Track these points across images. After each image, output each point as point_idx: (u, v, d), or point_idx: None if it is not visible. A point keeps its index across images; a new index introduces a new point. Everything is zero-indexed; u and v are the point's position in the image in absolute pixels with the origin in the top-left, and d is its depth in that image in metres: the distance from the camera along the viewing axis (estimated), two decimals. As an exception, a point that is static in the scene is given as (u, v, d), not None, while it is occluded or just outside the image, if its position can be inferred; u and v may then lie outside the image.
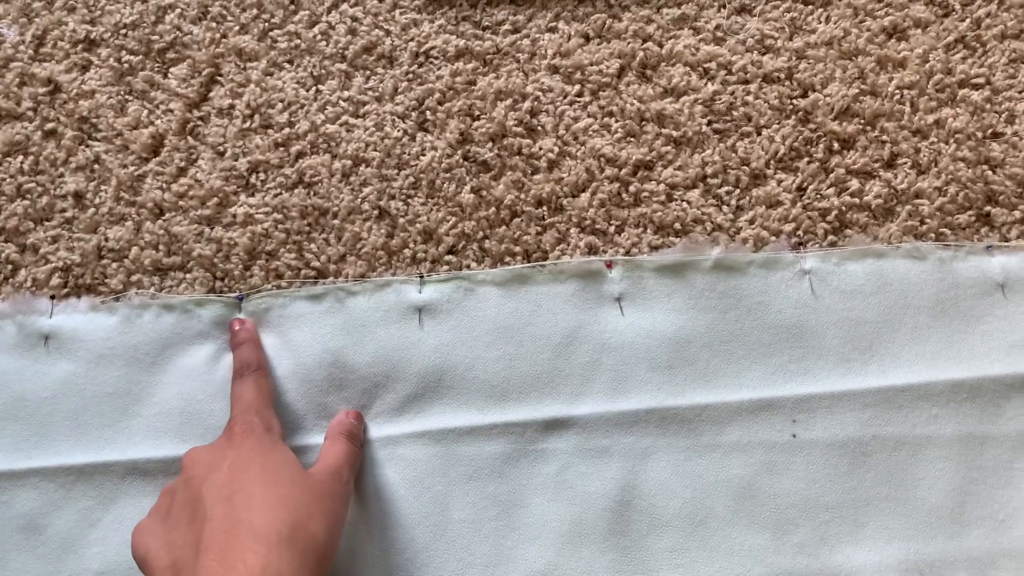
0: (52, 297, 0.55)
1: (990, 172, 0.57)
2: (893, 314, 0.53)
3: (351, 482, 0.46)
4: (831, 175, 0.57)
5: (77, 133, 0.59)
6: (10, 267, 0.56)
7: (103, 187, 0.58)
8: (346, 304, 0.54)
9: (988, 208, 0.56)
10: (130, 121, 0.59)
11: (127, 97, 0.60)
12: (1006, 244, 0.55)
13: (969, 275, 0.54)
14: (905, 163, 0.57)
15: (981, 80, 0.59)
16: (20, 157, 0.58)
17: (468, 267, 0.56)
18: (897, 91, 0.59)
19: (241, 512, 0.38)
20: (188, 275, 0.56)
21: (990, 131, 0.58)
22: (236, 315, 0.53)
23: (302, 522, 0.39)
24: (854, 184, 0.57)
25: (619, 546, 0.50)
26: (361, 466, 0.50)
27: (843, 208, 0.56)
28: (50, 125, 0.59)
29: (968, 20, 0.60)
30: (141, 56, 0.60)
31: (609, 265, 0.54)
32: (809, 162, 0.57)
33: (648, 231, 0.56)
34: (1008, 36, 0.60)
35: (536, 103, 0.59)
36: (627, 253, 0.56)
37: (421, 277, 0.54)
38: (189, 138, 0.59)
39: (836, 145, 0.58)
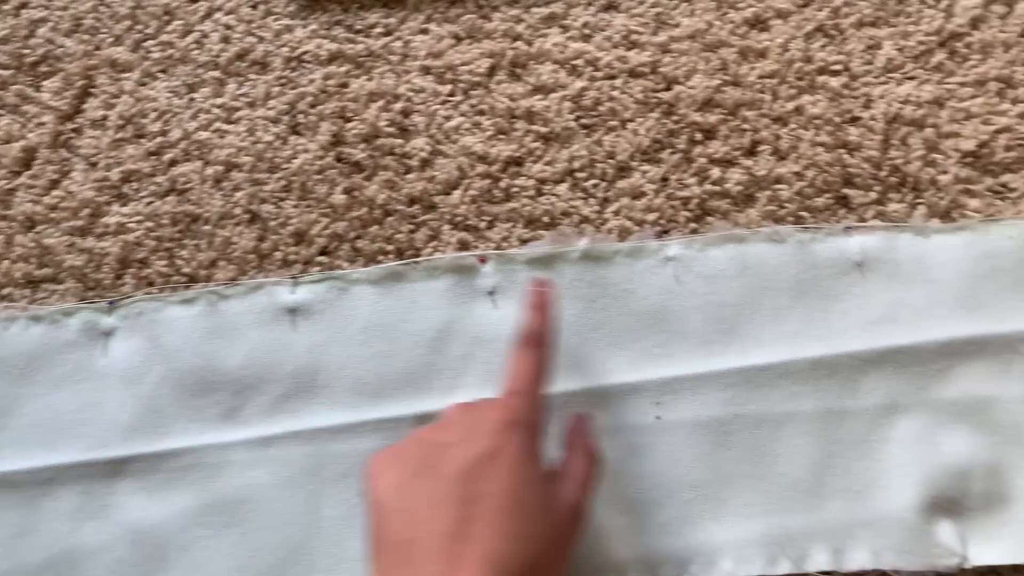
0: None
1: (847, 156, 0.59)
2: (754, 296, 0.55)
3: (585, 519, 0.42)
4: (693, 165, 0.59)
5: None
6: None
7: None
8: (218, 307, 0.54)
9: (845, 191, 0.59)
10: (2, 135, 0.59)
11: (-2, 112, 0.60)
12: (863, 224, 0.57)
13: (828, 256, 0.56)
14: (766, 150, 0.59)
15: (839, 67, 0.61)
16: None
17: (341, 267, 0.57)
18: (758, 80, 0.61)
19: (482, 528, 0.35)
20: (60, 286, 0.57)
21: (848, 116, 0.60)
22: (106, 322, 0.54)
23: (540, 566, 0.36)
24: (715, 173, 0.59)
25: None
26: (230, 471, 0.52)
27: (704, 196, 0.58)
28: None
29: (827, 9, 0.63)
30: (13, 70, 0.61)
31: (482, 260, 0.56)
32: (672, 153, 0.59)
33: (518, 225, 0.58)
34: (865, 24, 0.62)
35: (408, 103, 0.60)
36: (498, 247, 0.57)
37: (294, 278, 0.55)
38: (62, 150, 0.59)
39: (699, 136, 0.60)
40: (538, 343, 0.45)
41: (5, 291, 0.57)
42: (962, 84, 0.61)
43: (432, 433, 0.40)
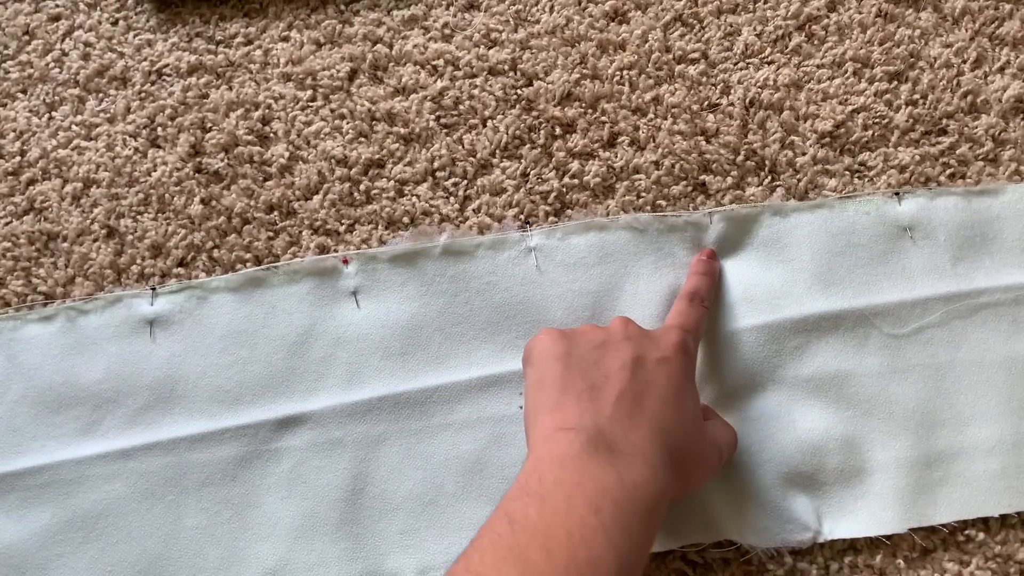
0: None
1: (705, 143, 0.61)
2: (614, 283, 0.56)
3: (718, 470, 0.50)
4: (553, 159, 0.60)
5: None
6: None
7: None
8: (77, 323, 0.55)
9: (703, 177, 0.60)
10: None
11: None
12: (720, 208, 0.58)
13: (684, 244, 0.58)
14: (624, 141, 0.61)
15: (697, 55, 0.63)
16: None
17: (197, 278, 0.57)
18: (617, 72, 0.62)
19: (654, 403, 0.43)
20: None
21: (706, 103, 0.62)
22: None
23: (688, 456, 0.43)
24: (575, 166, 0.60)
25: (351, 534, 0.52)
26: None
27: (564, 190, 0.59)
28: None
29: None
30: None
31: (345, 261, 0.56)
32: (532, 148, 0.60)
33: (379, 227, 0.59)
34: (724, 11, 0.64)
35: (268, 111, 0.61)
36: (358, 249, 0.58)
37: (153, 289, 0.56)
38: (-83, 174, 0.59)
39: (558, 130, 0.61)
40: (703, 302, 0.52)
41: None
42: (819, 66, 0.63)
43: (603, 329, 0.47)
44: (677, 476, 0.41)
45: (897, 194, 0.59)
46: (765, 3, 0.65)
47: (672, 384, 0.43)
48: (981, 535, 0.52)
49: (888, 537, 0.52)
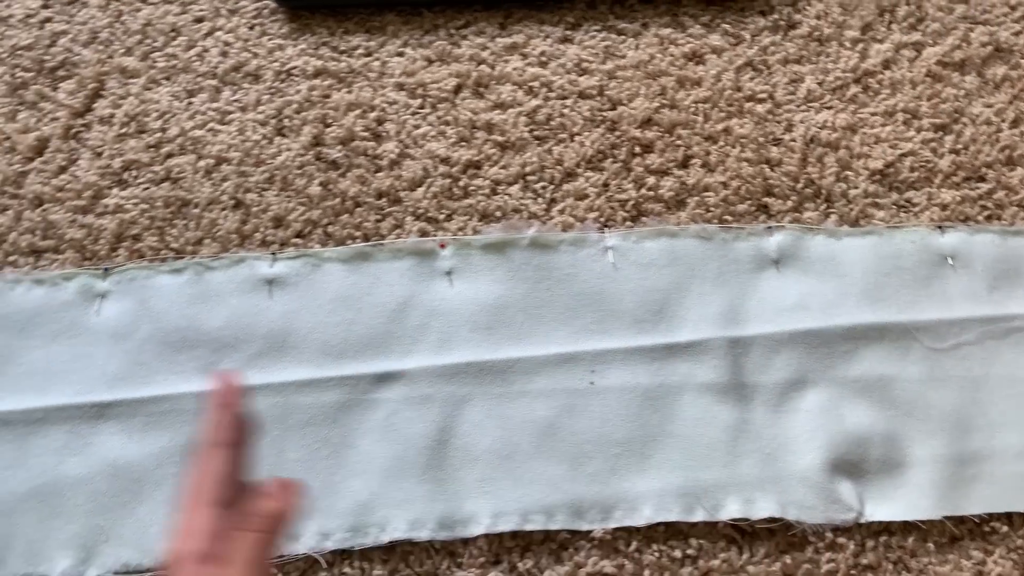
0: None
1: (769, 170, 0.70)
2: (681, 283, 0.65)
3: None
4: (632, 173, 0.69)
5: None
6: None
7: None
8: (203, 277, 0.64)
9: (766, 199, 0.69)
10: (19, 127, 0.70)
11: (18, 107, 0.71)
12: (781, 226, 0.67)
13: (748, 253, 0.66)
14: (696, 163, 0.70)
15: (765, 96, 0.73)
16: None
17: (313, 248, 0.66)
18: (693, 104, 0.72)
19: None
20: (60, 256, 0.66)
21: (771, 137, 0.71)
22: (100, 286, 0.63)
23: None
24: (651, 180, 0.69)
25: (435, 478, 0.59)
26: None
27: (640, 200, 0.69)
28: None
29: (756, 47, 0.74)
30: (34, 73, 0.72)
31: (442, 245, 0.65)
32: (613, 163, 0.70)
33: (474, 219, 0.68)
34: (790, 61, 0.74)
35: (382, 113, 0.71)
36: (455, 236, 0.67)
37: (273, 255, 0.65)
38: (72, 141, 0.69)
39: (638, 149, 0.70)
40: (225, 445, 0.43)
41: (11, 258, 0.66)
42: (873, 114, 0.73)
43: None
44: None
45: (940, 227, 0.67)
46: (827, 57, 0.75)
47: None
48: (1005, 528, 0.59)
49: (922, 523, 0.59)
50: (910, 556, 0.58)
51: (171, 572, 0.38)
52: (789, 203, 0.68)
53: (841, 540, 0.58)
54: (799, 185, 0.68)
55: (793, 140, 0.70)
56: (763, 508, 0.58)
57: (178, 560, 0.38)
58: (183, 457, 0.58)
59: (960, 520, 0.58)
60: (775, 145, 0.70)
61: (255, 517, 0.40)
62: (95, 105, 0.70)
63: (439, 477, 0.59)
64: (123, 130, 0.69)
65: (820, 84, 0.72)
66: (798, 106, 0.72)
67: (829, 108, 0.71)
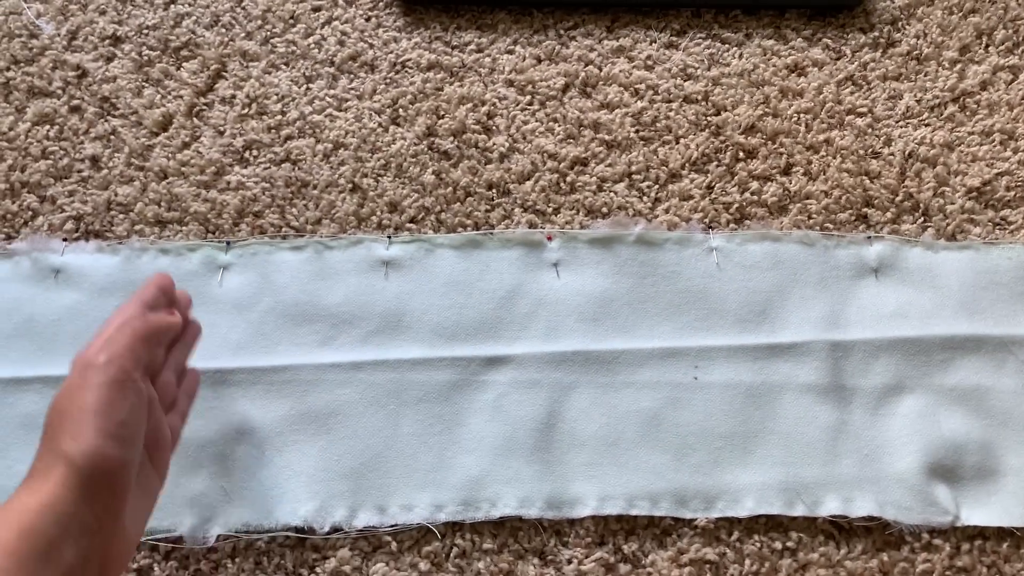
0: (64, 239, 0.68)
1: (868, 182, 0.73)
2: (784, 286, 0.67)
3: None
4: (736, 177, 0.72)
5: (98, 110, 0.73)
6: (30, 213, 0.70)
7: (116, 154, 0.72)
8: (323, 255, 0.67)
9: (866, 210, 0.72)
10: (145, 102, 0.73)
11: (144, 84, 0.74)
12: (881, 236, 0.70)
13: (849, 260, 0.69)
14: (798, 171, 0.73)
15: (865, 110, 0.76)
16: (47, 127, 0.72)
17: (426, 233, 0.69)
18: (795, 114, 0.75)
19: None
20: (184, 227, 0.70)
21: (870, 150, 0.74)
22: (223, 259, 0.66)
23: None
24: (754, 185, 0.72)
25: (543, 459, 0.62)
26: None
27: (744, 203, 0.71)
28: (75, 102, 0.73)
29: (857, 63, 0.77)
30: (159, 52, 0.76)
31: (549, 237, 0.69)
32: (718, 166, 0.73)
33: (580, 213, 0.71)
34: (889, 78, 0.77)
35: (493, 108, 0.75)
36: (562, 229, 0.70)
37: (389, 238, 0.68)
38: (195, 119, 0.73)
39: (742, 154, 0.73)
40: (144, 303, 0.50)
41: (138, 228, 0.69)
42: (970, 133, 0.75)
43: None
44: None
45: (1036, 245, 0.70)
46: (925, 76, 0.77)
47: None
48: (1099, 539, 0.61)
49: (1017, 530, 0.61)
50: (1003, 561, 0.60)
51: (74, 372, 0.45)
52: (888, 215, 0.70)
53: (937, 542, 0.60)
54: (898, 198, 0.71)
55: (892, 154, 0.73)
56: (861, 507, 0.61)
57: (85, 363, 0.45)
58: (303, 426, 0.61)
59: (1054, 529, 0.60)
60: (874, 158, 0.73)
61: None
62: (217, 85, 0.74)
63: (547, 459, 0.62)
64: (244, 111, 0.73)
65: (918, 102, 0.75)
66: (897, 121, 0.74)
67: (927, 125, 0.74)
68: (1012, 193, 0.72)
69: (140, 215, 0.69)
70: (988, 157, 0.73)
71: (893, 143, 0.73)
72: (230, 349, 0.63)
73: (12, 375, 0.62)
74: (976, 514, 0.61)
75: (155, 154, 0.71)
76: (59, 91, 0.73)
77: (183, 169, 0.70)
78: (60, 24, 0.75)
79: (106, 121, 0.72)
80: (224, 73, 0.74)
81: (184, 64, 0.74)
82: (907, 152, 0.73)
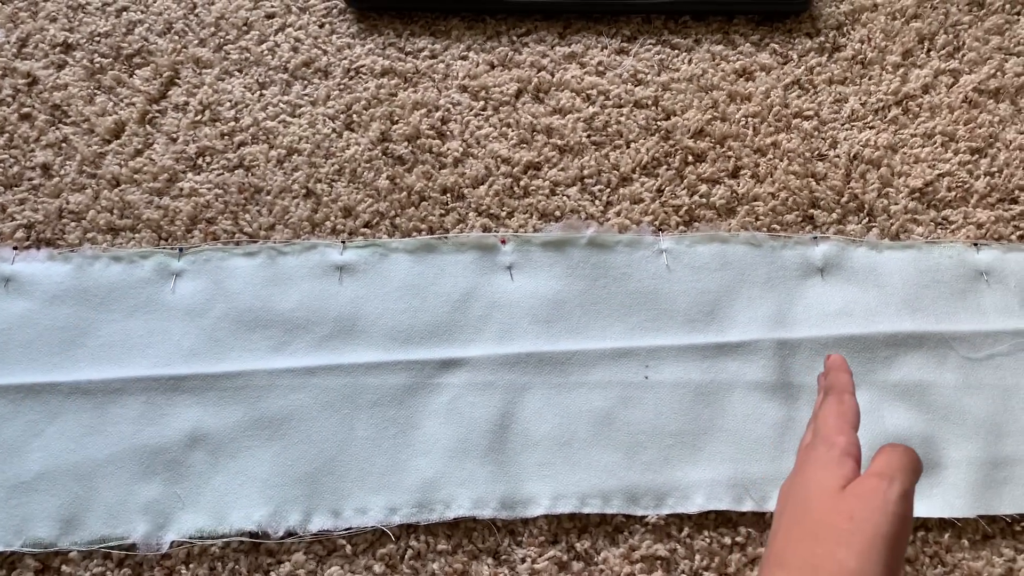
0: (15, 248, 0.68)
1: (815, 183, 0.74)
2: (732, 287, 0.69)
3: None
4: (685, 180, 0.74)
5: (49, 117, 0.73)
6: None
7: (68, 161, 0.72)
8: (276, 261, 0.68)
9: (812, 211, 0.74)
10: (97, 110, 0.74)
11: (96, 91, 0.75)
12: (827, 236, 0.72)
13: (795, 261, 0.70)
14: (746, 174, 0.75)
15: (811, 113, 0.77)
16: None
17: (380, 238, 0.70)
18: (743, 118, 0.77)
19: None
20: (137, 235, 0.70)
21: (816, 153, 0.76)
22: (175, 265, 0.67)
23: None
24: (703, 188, 0.74)
25: (497, 460, 0.63)
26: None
27: (692, 206, 0.73)
28: (26, 110, 0.73)
29: (803, 67, 0.79)
30: (111, 59, 0.76)
31: (503, 241, 0.70)
32: (667, 170, 0.74)
33: (533, 217, 0.72)
34: (835, 81, 0.79)
35: (447, 113, 0.76)
36: (516, 232, 0.71)
37: (343, 243, 0.69)
38: (147, 126, 0.73)
39: (691, 158, 0.75)
40: (844, 392, 0.51)
41: (90, 235, 0.70)
42: (913, 135, 0.77)
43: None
44: None
45: (976, 244, 0.72)
46: (870, 79, 0.80)
47: None
48: (1037, 528, 0.63)
49: (957, 520, 0.63)
50: (945, 551, 0.62)
51: (818, 453, 0.46)
52: (834, 215, 0.72)
53: (881, 534, 0.62)
54: (843, 199, 0.73)
55: (838, 156, 0.75)
56: (808, 501, 0.62)
57: (831, 444, 0.46)
58: (257, 431, 0.62)
59: (992, 519, 0.63)
60: (820, 160, 0.74)
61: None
62: (170, 92, 0.74)
63: (500, 459, 0.63)
64: (197, 117, 0.73)
65: (863, 105, 0.77)
66: (842, 124, 0.76)
67: (871, 128, 0.76)
68: (953, 194, 0.74)
69: (92, 223, 0.69)
70: (930, 159, 0.75)
71: (839, 145, 0.75)
72: (183, 356, 0.64)
73: (-39, 384, 0.62)
74: (918, 506, 0.62)
75: (107, 161, 0.71)
76: (9, 99, 0.73)
77: (136, 176, 0.71)
78: (10, 31, 0.75)
79: (57, 129, 0.72)
80: (177, 80, 0.75)
81: (137, 71, 0.75)
82: (852, 154, 0.75)
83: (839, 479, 0.43)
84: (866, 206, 0.73)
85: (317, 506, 0.61)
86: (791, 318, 0.68)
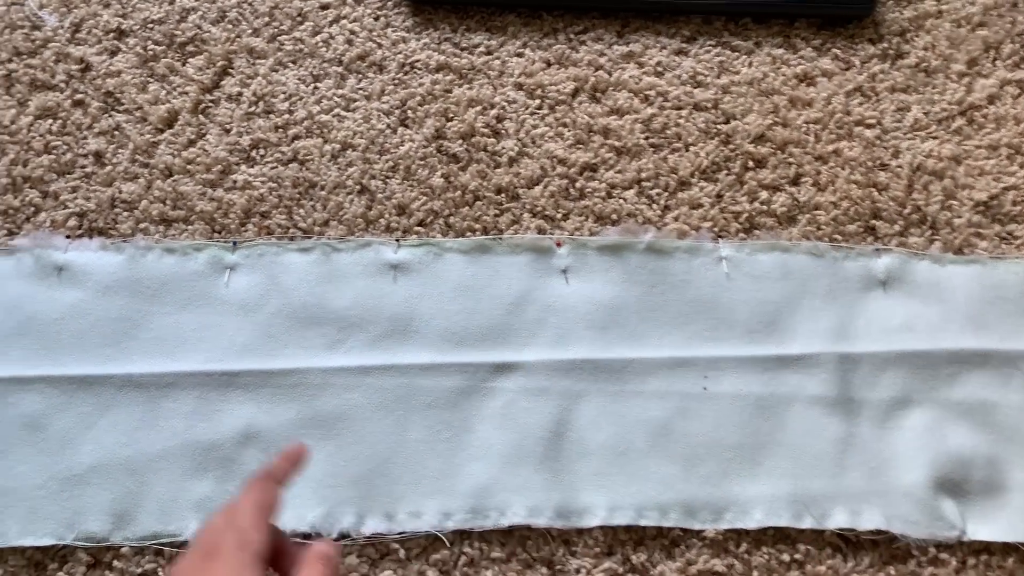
0: (67, 236, 0.68)
1: (877, 193, 0.73)
2: (793, 298, 0.68)
3: None
4: (745, 186, 0.73)
5: (102, 104, 0.73)
6: (32, 209, 0.69)
7: (121, 150, 0.71)
8: (331, 257, 0.67)
9: (874, 222, 0.72)
10: (150, 98, 0.73)
11: (149, 79, 0.74)
12: (889, 248, 0.71)
13: (857, 272, 0.69)
14: (807, 181, 0.73)
15: (873, 121, 0.76)
16: (50, 121, 0.72)
17: (434, 237, 0.70)
18: (804, 124, 0.76)
19: None
20: (190, 227, 0.69)
21: (879, 162, 0.75)
22: (229, 259, 0.66)
23: None
24: (764, 195, 0.73)
25: (551, 468, 0.63)
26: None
27: (753, 213, 0.72)
28: (79, 96, 0.73)
29: (865, 74, 0.78)
30: (164, 46, 0.75)
31: (559, 243, 0.69)
32: (727, 175, 0.73)
33: (589, 220, 0.71)
34: (897, 89, 0.78)
35: (502, 111, 0.75)
36: (571, 235, 0.70)
37: (397, 241, 0.68)
38: (201, 116, 0.73)
39: (751, 163, 0.74)
40: (274, 480, 0.46)
41: (142, 226, 0.69)
42: (977, 147, 0.76)
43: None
44: None
45: (1043, 261, 0.71)
46: (933, 88, 0.78)
47: None
48: (1104, 555, 0.62)
49: (1021, 544, 0.62)
50: (1009, 575, 0.61)
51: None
52: (896, 227, 0.71)
53: (943, 556, 0.61)
54: (905, 210, 0.72)
55: (900, 167, 0.73)
56: (869, 520, 0.61)
57: (245, 543, 0.41)
58: (311, 430, 0.61)
59: (1059, 544, 0.61)
60: (882, 170, 0.73)
61: None
62: (223, 82, 0.73)
63: (555, 467, 0.62)
64: (251, 109, 0.72)
65: (926, 114, 0.76)
66: (905, 134, 0.75)
67: (935, 138, 0.75)
68: (1019, 208, 0.73)
69: (145, 213, 0.68)
70: (995, 171, 0.74)
71: (901, 155, 0.74)
72: (236, 351, 0.63)
73: (13, 374, 0.62)
74: (982, 529, 0.61)
75: (160, 151, 0.70)
76: (62, 84, 0.72)
77: (189, 167, 0.70)
78: (63, 16, 0.74)
79: (110, 116, 0.71)
80: (230, 70, 0.74)
81: (190, 60, 0.74)
82: (915, 165, 0.74)
83: None
84: (929, 218, 0.72)
85: (370, 508, 0.60)
86: (852, 332, 0.67)
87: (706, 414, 0.63)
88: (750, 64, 0.77)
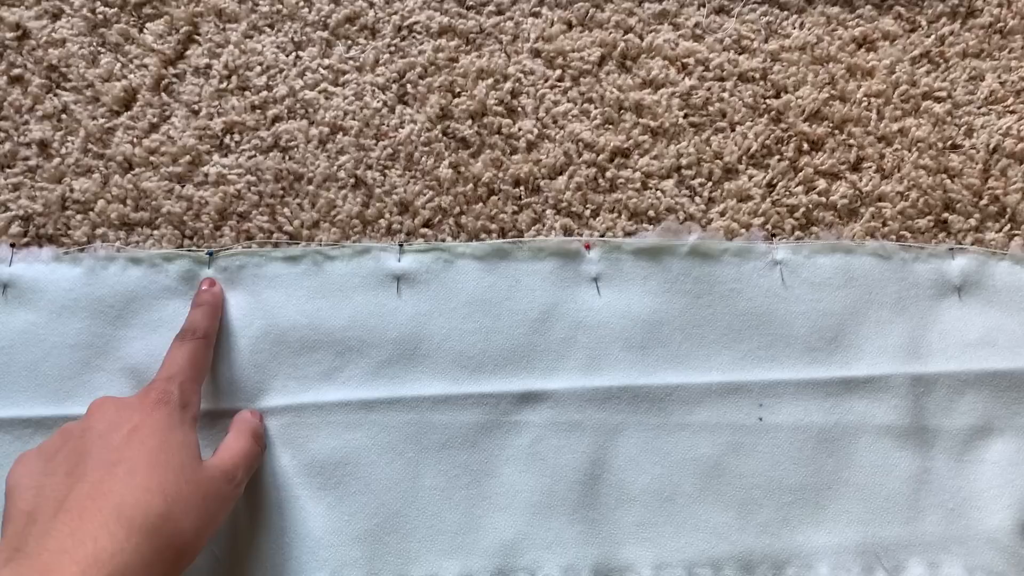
0: (12, 245, 0.57)
1: (948, 181, 0.64)
2: (858, 308, 0.59)
3: (242, 485, 0.48)
4: (800, 174, 0.63)
5: (45, 81, 0.61)
6: None
7: (70, 137, 0.60)
8: (323, 267, 0.57)
9: (946, 215, 0.63)
10: (102, 73, 0.62)
11: (100, 49, 0.62)
12: (965, 247, 0.61)
13: (929, 277, 0.60)
14: (870, 167, 0.64)
15: (943, 94, 0.66)
16: None
17: (443, 241, 0.59)
18: (865, 98, 0.66)
19: (117, 484, 0.39)
20: (156, 231, 0.59)
21: (949, 143, 0.65)
22: (206, 272, 0.56)
23: (174, 516, 0.40)
24: (821, 184, 0.63)
25: (588, 518, 0.54)
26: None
27: (810, 206, 0.62)
28: (16, 71, 0.61)
29: (933, 36, 0.68)
30: (116, 8, 0.63)
31: (588, 246, 0.59)
32: (779, 160, 0.63)
33: (623, 217, 0.61)
34: (969, 55, 0.68)
35: (517, 84, 0.64)
36: (602, 236, 0.60)
37: (400, 246, 0.58)
38: (163, 95, 0.62)
39: (806, 146, 0.64)
40: (200, 337, 0.52)
41: (100, 231, 0.59)
42: (1061, 124, 0.66)
43: (79, 423, 0.45)
44: (159, 544, 0.39)
45: None
46: (1010, 53, 0.68)
47: (147, 448, 0.42)
48: None
49: (1119, 595, 0.55)
50: (1104, 631, 0.54)
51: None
52: (971, 221, 0.62)
53: (1031, 612, 0.54)
54: (981, 201, 0.63)
55: (974, 148, 0.64)
56: (948, 572, 0.55)
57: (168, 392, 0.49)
58: (307, 479, 0.53)
59: None
60: (954, 151, 0.64)
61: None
62: (188, 52, 0.63)
63: (592, 517, 0.54)
64: (222, 85, 0.62)
65: (1002, 84, 0.66)
66: (978, 108, 0.65)
67: (1013, 112, 0.66)
68: (1108, 195, 0.63)
69: (102, 215, 0.58)
70: (1081, 153, 0.65)
71: (975, 134, 0.65)
72: (214, 383, 0.54)
73: (-49, 416, 0.52)
74: (1075, 577, 0.54)
75: (117, 138, 0.60)
76: (-5, 57, 0.60)
77: (152, 158, 0.60)
78: (-7, -28, 0.62)
79: (55, 96, 0.60)
80: (196, 37, 0.63)
81: (147, 25, 0.63)
82: (991, 145, 0.64)
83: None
84: (1008, 210, 0.63)
85: (380, 571, 0.53)
86: (925, 347, 0.58)
87: (762, 450, 0.55)
88: (801, 25, 0.67)
